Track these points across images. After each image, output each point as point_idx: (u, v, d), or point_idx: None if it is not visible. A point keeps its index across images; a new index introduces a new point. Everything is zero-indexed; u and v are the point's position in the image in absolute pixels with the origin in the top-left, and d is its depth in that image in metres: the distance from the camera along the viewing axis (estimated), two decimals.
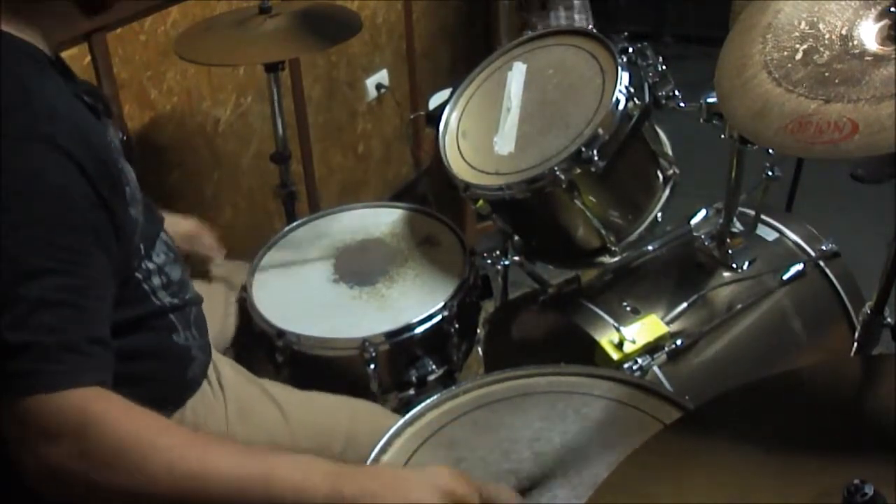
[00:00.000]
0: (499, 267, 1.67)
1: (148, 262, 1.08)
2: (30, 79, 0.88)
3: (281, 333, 1.43)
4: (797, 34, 1.06)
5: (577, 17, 2.81)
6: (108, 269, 0.91)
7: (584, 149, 1.34)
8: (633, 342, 1.41)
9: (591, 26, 2.83)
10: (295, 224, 1.72)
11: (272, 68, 1.78)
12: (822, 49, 1.03)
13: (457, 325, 1.47)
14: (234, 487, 0.83)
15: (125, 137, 1.80)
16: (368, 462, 1.03)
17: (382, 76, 2.79)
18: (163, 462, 0.82)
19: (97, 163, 0.89)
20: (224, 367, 1.28)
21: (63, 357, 0.82)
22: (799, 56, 1.04)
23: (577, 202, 1.41)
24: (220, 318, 1.48)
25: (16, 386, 0.80)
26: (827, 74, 1.00)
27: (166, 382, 1.14)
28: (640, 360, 1.39)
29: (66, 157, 0.85)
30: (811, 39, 1.05)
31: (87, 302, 0.87)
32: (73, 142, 0.86)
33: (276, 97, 1.81)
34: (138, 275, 1.06)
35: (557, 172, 1.35)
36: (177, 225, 1.45)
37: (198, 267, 1.52)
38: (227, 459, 0.84)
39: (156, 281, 1.09)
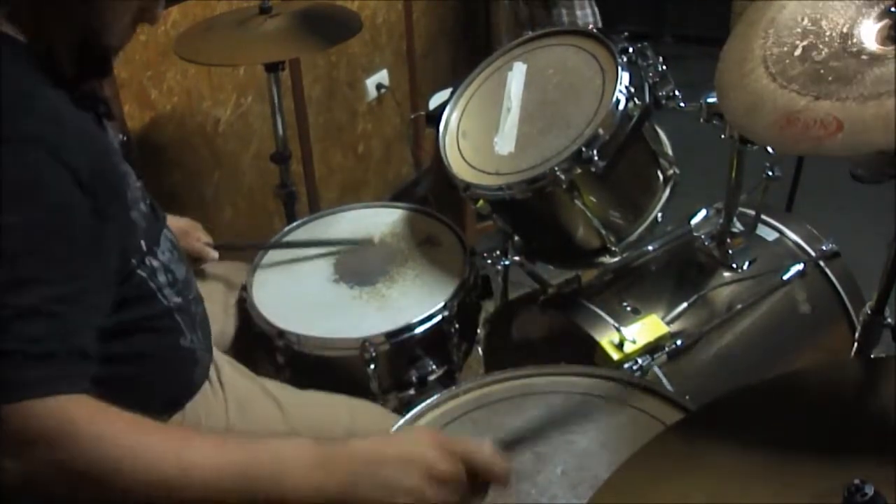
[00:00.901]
0: (499, 267, 1.67)
1: (153, 259, 1.07)
2: (31, 83, 0.88)
3: (281, 333, 1.43)
4: (799, 30, 1.06)
5: (578, 13, 2.81)
6: (102, 278, 0.90)
7: (584, 149, 1.34)
8: (634, 342, 1.41)
9: (596, 21, 2.83)
10: (295, 224, 1.72)
11: (272, 68, 1.79)
12: (821, 46, 1.03)
13: (457, 325, 1.47)
14: (213, 484, 0.81)
15: (125, 138, 1.80)
16: None
17: (382, 76, 2.80)
18: (140, 466, 0.80)
19: (96, 172, 0.88)
20: (224, 365, 1.28)
21: (43, 367, 0.81)
22: (798, 52, 1.04)
23: (578, 202, 1.41)
24: (220, 319, 1.48)
25: None
26: (822, 72, 1.00)
27: (171, 385, 1.15)
28: (640, 360, 1.39)
29: (65, 167, 0.85)
30: (812, 36, 1.05)
31: (75, 313, 0.85)
32: (73, 151, 0.85)
33: (276, 97, 1.82)
34: (142, 272, 1.05)
35: (558, 172, 1.35)
36: (172, 223, 1.44)
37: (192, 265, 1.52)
38: (204, 454, 0.82)
39: (161, 278, 1.08)
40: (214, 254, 1.55)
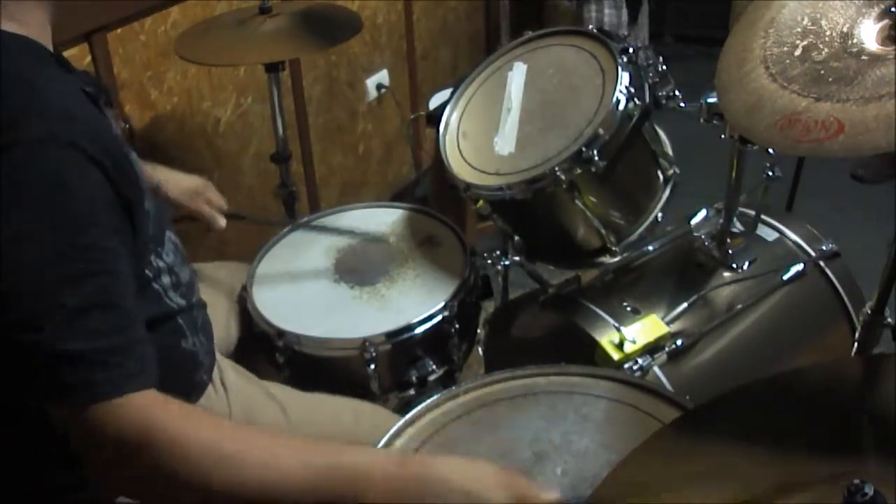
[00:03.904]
0: (499, 267, 1.67)
1: (158, 259, 1.07)
2: (36, 77, 0.87)
3: (281, 333, 1.43)
4: (799, 30, 1.06)
5: (607, 11, 2.81)
6: (130, 268, 0.90)
7: (584, 149, 1.34)
8: (634, 342, 1.41)
9: (620, 22, 2.83)
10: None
11: (272, 68, 1.78)
12: (821, 46, 1.03)
13: (457, 325, 1.47)
14: (300, 490, 0.82)
15: (127, 125, 1.79)
16: None
17: (382, 76, 2.79)
18: (231, 472, 0.81)
19: (113, 160, 0.87)
20: (227, 369, 1.28)
21: (118, 361, 0.81)
22: (798, 52, 1.04)
23: (578, 202, 1.41)
24: (223, 323, 1.48)
25: (78, 396, 0.79)
26: (822, 72, 1.00)
27: (173, 388, 1.14)
28: (640, 360, 1.39)
29: (85, 158, 0.84)
30: (812, 36, 1.05)
31: (126, 301, 0.85)
32: (89, 141, 0.85)
33: (276, 97, 1.81)
34: (148, 272, 1.04)
35: (558, 172, 1.35)
36: (181, 182, 1.42)
37: (204, 227, 1.47)
38: (294, 461, 0.83)
39: (165, 280, 1.08)
40: (222, 221, 1.51)
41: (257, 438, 0.87)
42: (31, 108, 0.83)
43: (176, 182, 1.36)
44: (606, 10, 2.81)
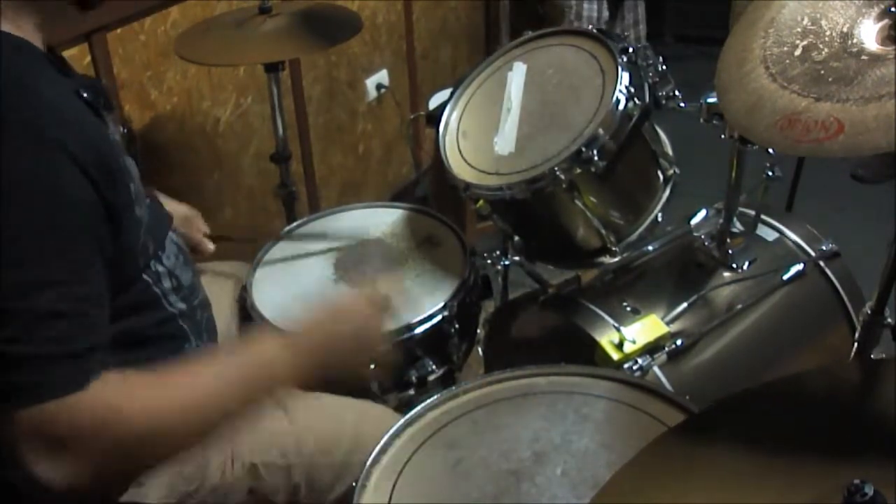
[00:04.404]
0: (499, 267, 1.67)
1: (157, 263, 1.07)
2: (29, 79, 0.87)
3: (281, 334, 1.43)
4: (799, 30, 1.06)
5: (585, 5, 2.82)
6: (106, 277, 0.91)
7: (584, 149, 1.34)
8: (634, 342, 1.40)
9: (601, 14, 2.84)
10: (295, 224, 1.72)
11: (272, 68, 1.78)
12: (821, 46, 1.03)
13: (457, 325, 1.47)
14: (239, 401, 0.94)
15: (126, 130, 1.79)
16: (368, 462, 1.03)
17: (382, 76, 2.79)
18: (191, 412, 0.89)
19: (102, 166, 0.88)
20: None
21: (70, 364, 0.83)
22: (798, 52, 1.04)
23: (578, 202, 1.41)
24: (224, 322, 1.47)
25: (26, 396, 0.80)
26: (822, 72, 1.00)
27: None
28: (640, 360, 1.39)
29: (74, 163, 0.84)
30: (812, 36, 1.05)
31: (92, 310, 0.87)
32: (80, 146, 0.85)
33: (276, 97, 1.81)
34: (147, 277, 1.05)
35: (558, 172, 1.35)
36: (175, 209, 1.43)
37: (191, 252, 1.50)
38: (226, 384, 0.94)
39: (166, 284, 1.08)
40: (210, 247, 1.53)
41: (195, 374, 0.94)
42: (22, 108, 0.83)
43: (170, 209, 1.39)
44: (586, 4, 2.82)
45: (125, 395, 0.86)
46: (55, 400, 0.81)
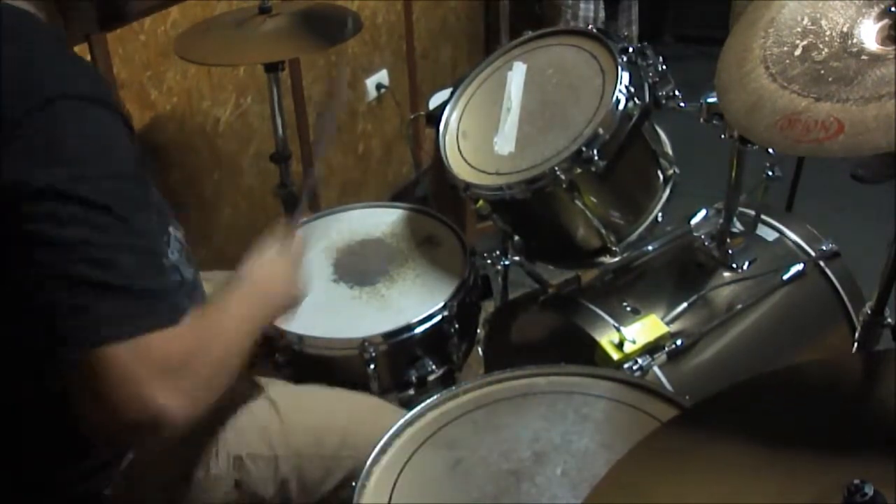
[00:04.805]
0: (499, 267, 1.67)
1: (164, 258, 1.07)
2: (62, 45, 0.93)
3: (281, 333, 1.43)
4: (799, 30, 1.06)
5: (582, 5, 2.82)
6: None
7: (584, 149, 1.34)
8: (634, 342, 1.40)
9: (597, 14, 2.84)
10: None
11: (272, 68, 1.78)
12: (821, 46, 1.03)
13: (457, 325, 1.47)
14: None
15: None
16: (368, 462, 1.03)
17: (382, 76, 2.79)
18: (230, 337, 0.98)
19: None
20: None
21: (175, 294, 0.92)
22: (798, 52, 1.04)
23: (578, 202, 1.41)
24: None
25: (141, 325, 0.84)
26: (822, 72, 1.00)
27: None
28: (640, 360, 1.39)
29: (122, 122, 0.90)
30: (812, 36, 1.05)
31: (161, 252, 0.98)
32: (119, 109, 0.91)
33: (276, 97, 1.81)
34: None
35: (558, 172, 1.35)
36: None
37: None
38: (247, 311, 1.04)
39: (174, 278, 1.08)
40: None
41: (224, 309, 1.03)
42: (65, 68, 0.89)
43: None
44: (582, 4, 2.82)
45: (206, 319, 0.96)
46: (170, 327, 0.85)
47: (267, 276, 1.14)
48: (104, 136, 0.87)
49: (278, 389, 1.30)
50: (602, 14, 2.88)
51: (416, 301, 1.48)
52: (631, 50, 1.41)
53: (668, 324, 1.46)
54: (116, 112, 0.90)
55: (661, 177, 1.53)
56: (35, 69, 0.86)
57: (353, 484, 1.00)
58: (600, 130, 1.35)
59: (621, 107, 1.36)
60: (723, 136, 1.46)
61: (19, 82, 0.84)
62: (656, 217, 1.52)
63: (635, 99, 1.37)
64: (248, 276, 1.12)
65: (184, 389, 0.86)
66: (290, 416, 1.25)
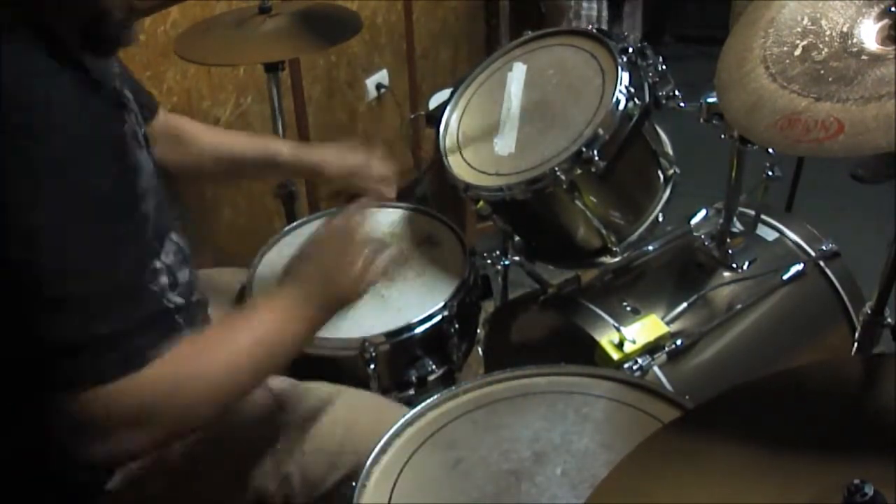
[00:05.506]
0: (499, 267, 1.67)
1: (156, 260, 1.08)
2: (32, 70, 0.90)
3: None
4: (799, 30, 1.06)
5: (585, 4, 2.82)
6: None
7: (584, 149, 1.34)
8: (634, 342, 1.41)
9: (600, 14, 2.84)
10: (295, 224, 1.72)
11: (272, 68, 1.78)
12: (821, 46, 1.03)
13: (457, 325, 1.47)
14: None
15: None
16: (368, 462, 1.03)
17: (382, 76, 2.79)
18: (242, 368, 0.98)
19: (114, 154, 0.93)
20: None
21: (142, 338, 0.90)
22: (798, 52, 1.04)
23: (578, 202, 1.41)
24: None
25: (105, 373, 0.84)
26: (822, 72, 1.00)
27: None
28: (640, 360, 1.39)
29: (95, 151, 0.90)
30: (812, 36, 1.05)
31: (137, 285, 0.94)
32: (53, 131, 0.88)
33: (276, 97, 1.81)
34: (146, 275, 1.05)
35: (558, 173, 1.35)
36: (342, 161, 1.52)
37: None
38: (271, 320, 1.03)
39: (163, 280, 1.08)
40: (390, 193, 1.53)
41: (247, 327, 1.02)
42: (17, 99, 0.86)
43: (335, 163, 1.46)
44: (584, 3, 2.82)
45: (186, 358, 0.93)
46: (135, 372, 0.85)
47: (316, 272, 1.11)
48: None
49: (281, 385, 1.30)
50: (605, 14, 2.89)
51: (416, 301, 1.47)
52: (631, 50, 1.41)
53: (668, 324, 1.46)
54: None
55: (661, 177, 1.53)
56: None
57: (353, 484, 1.00)
58: (600, 131, 1.35)
59: (621, 107, 1.36)
60: (723, 136, 1.47)
61: None
62: (656, 217, 1.52)
63: (635, 99, 1.37)
64: (295, 276, 1.11)
65: (149, 433, 0.87)
66: (290, 410, 1.25)
